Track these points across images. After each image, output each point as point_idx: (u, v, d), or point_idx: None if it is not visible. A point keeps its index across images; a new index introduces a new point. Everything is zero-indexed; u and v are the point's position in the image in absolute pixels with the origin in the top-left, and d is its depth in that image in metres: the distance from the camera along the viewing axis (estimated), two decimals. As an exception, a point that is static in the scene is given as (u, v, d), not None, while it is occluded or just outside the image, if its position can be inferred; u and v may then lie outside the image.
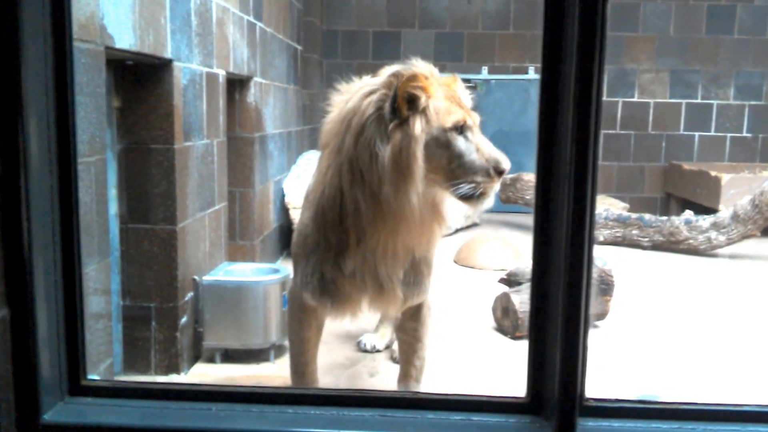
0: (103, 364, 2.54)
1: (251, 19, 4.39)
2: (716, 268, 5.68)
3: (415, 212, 2.00)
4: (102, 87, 2.44)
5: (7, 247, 1.34)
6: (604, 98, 8.72)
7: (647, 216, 6.27)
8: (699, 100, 8.24)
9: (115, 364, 3.03)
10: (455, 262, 5.57)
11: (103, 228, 2.52)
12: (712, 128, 8.28)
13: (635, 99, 8.23)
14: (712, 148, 8.29)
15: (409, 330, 2.51)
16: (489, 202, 2.07)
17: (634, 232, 6.20)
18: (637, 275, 5.11)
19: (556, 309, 1.27)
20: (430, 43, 8.16)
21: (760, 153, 8.30)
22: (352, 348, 3.61)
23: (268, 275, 3.45)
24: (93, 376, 2.29)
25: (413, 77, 2.00)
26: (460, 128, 2.05)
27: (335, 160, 2.07)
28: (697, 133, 8.29)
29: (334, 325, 2.92)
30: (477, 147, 2.05)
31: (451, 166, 2.03)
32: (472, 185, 2.02)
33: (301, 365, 2.50)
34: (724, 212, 5.98)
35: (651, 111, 8.27)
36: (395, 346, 3.43)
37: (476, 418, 1.36)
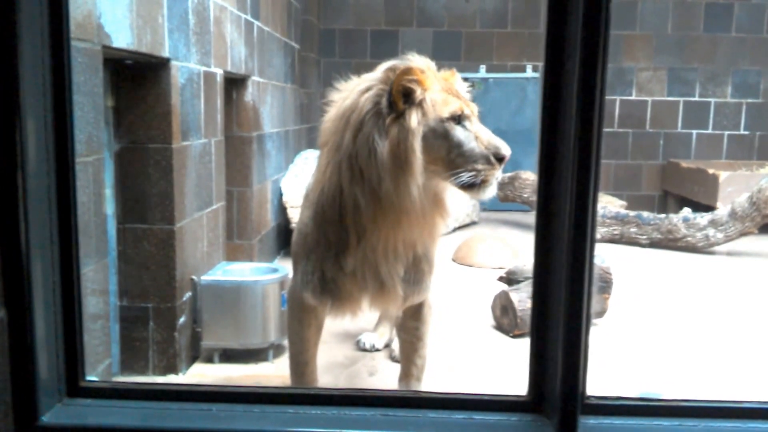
0: (101, 365, 2.53)
1: (249, 17, 4.38)
2: (714, 265, 5.69)
3: (417, 205, 2.00)
4: (99, 86, 2.43)
5: (5, 248, 1.33)
6: (602, 96, 8.78)
7: (645, 213, 6.28)
8: (696, 98, 8.25)
9: (113, 364, 3.01)
10: (453, 260, 5.56)
11: (100, 228, 2.51)
12: (710, 126, 8.29)
13: (633, 97, 8.23)
14: (710, 146, 8.30)
15: (410, 329, 2.50)
16: (491, 189, 2.06)
17: (632, 229, 6.21)
18: (635, 273, 5.12)
19: (558, 307, 1.26)
20: (427, 42, 8.15)
21: (758, 150, 8.31)
22: (351, 347, 3.60)
23: (266, 275, 3.44)
24: (91, 377, 2.29)
25: (408, 71, 1.99)
26: (458, 118, 2.04)
27: (334, 158, 2.06)
28: (694, 131, 8.30)
29: (333, 324, 2.92)
30: (476, 135, 2.04)
31: (450, 156, 2.02)
32: (473, 173, 2.01)
33: (301, 365, 2.49)
34: (722, 210, 5.99)
35: (649, 109, 8.28)
36: (394, 345, 3.43)
37: (478, 416, 1.36)
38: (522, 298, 3.78)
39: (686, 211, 6.17)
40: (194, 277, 3.32)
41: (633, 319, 4.10)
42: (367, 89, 2.03)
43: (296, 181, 5.38)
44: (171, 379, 3.14)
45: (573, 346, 1.24)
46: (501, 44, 8.27)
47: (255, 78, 4.60)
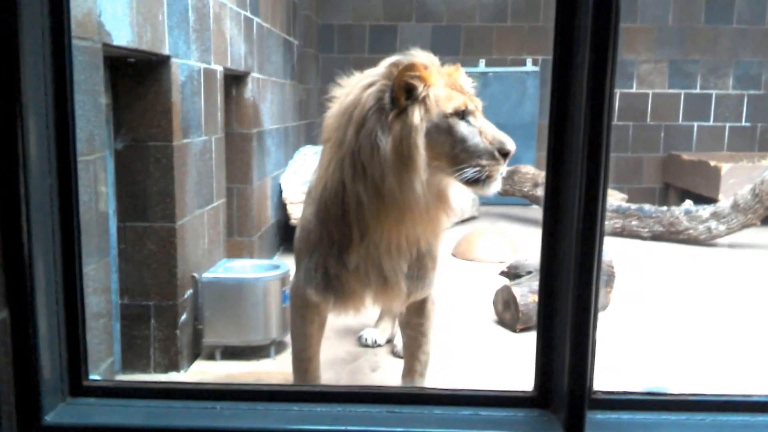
0: (103, 364, 2.52)
1: (248, 14, 4.36)
2: (716, 257, 5.68)
3: (421, 202, 1.99)
4: (100, 85, 2.42)
5: (7, 248, 1.32)
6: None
7: (647, 206, 6.27)
8: (698, 90, 8.23)
9: (114, 363, 3.01)
10: (454, 255, 5.56)
11: (102, 227, 2.51)
12: (711, 118, 8.27)
13: (634, 89, 8.22)
14: (711, 138, 8.29)
15: (413, 325, 2.49)
16: (496, 185, 2.04)
17: (634, 222, 6.20)
18: (637, 266, 5.11)
19: (565, 301, 1.25)
20: (427, 37, 8.13)
21: (759, 142, 8.30)
22: (352, 343, 3.60)
23: (267, 272, 3.43)
24: (94, 376, 2.28)
25: (410, 67, 1.98)
26: (462, 113, 2.02)
27: (337, 154, 2.05)
28: (695, 123, 8.29)
29: (334, 320, 2.91)
30: (480, 130, 2.03)
31: (454, 152, 2.00)
32: (477, 169, 1.99)
33: (304, 362, 2.48)
34: (724, 202, 5.98)
35: (649, 101, 8.26)
36: (396, 341, 3.42)
37: (484, 412, 1.35)
38: (524, 292, 3.77)
39: (688, 204, 6.16)
40: (195, 274, 3.31)
41: (636, 313, 4.09)
42: (370, 85, 2.02)
43: (295, 178, 5.37)
44: (173, 376, 3.13)
45: (581, 341, 1.23)
46: (500, 38, 8.25)
47: (255, 74, 4.59)
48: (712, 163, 6.93)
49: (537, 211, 7.18)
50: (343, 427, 1.34)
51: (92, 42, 2.32)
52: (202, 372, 3.24)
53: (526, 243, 5.74)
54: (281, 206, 5.38)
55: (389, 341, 3.56)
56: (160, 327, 3.11)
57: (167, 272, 3.08)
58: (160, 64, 2.96)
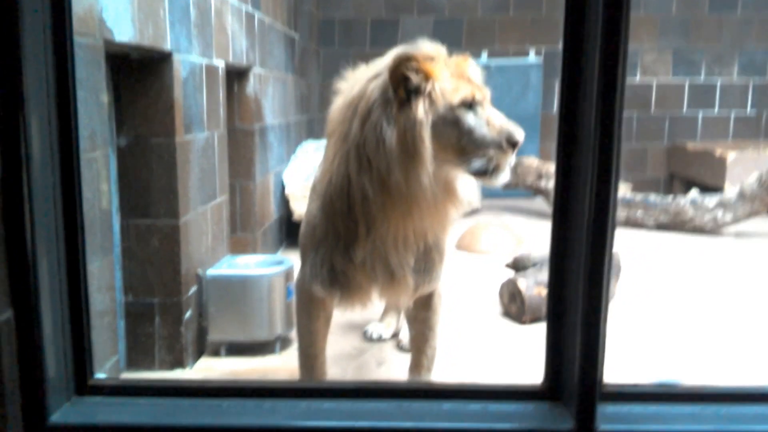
0: (108, 362, 2.52)
1: (249, 8, 4.34)
2: (723, 247, 5.65)
3: (428, 194, 1.96)
4: (102, 82, 2.41)
5: (10, 247, 1.32)
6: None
7: (652, 196, 6.24)
8: (702, 79, 8.19)
9: (119, 361, 3.00)
10: (458, 248, 5.54)
11: (105, 225, 2.49)
12: (716, 107, 8.23)
13: (637, 79, 8.17)
14: (716, 128, 8.25)
15: (420, 319, 2.48)
16: (505, 175, 2.00)
17: (639, 212, 6.17)
18: (643, 256, 5.09)
19: (576, 293, 1.24)
20: (428, 30, 8.09)
21: (765, 131, 8.26)
22: (358, 338, 3.59)
23: (271, 267, 3.42)
24: (99, 374, 2.27)
25: (407, 58, 1.95)
26: (469, 104, 1.99)
27: (342, 148, 2.03)
28: (700, 112, 8.25)
29: (339, 315, 2.90)
30: (488, 121, 2.00)
31: (461, 143, 1.98)
32: (485, 160, 1.97)
33: (311, 358, 2.47)
34: (730, 191, 5.95)
35: (654, 91, 8.22)
36: (402, 335, 3.41)
37: (493, 406, 1.34)
38: (530, 284, 3.75)
39: (694, 193, 6.13)
40: (199, 271, 3.30)
41: (643, 304, 4.08)
42: (375, 77, 2.00)
43: (298, 173, 5.36)
44: (178, 373, 3.12)
45: (592, 333, 1.22)
46: (503, 30, 8.21)
47: (257, 70, 4.57)
48: (718, 152, 6.90)
49: (541, 203, 7.15)
50: (351, 423, 1.33)
51: (93, 39, 2.31)
52: (207, 369, 3.23)
53: (530, 235, 5.72)
54: (284, 202, 5.37)
55: (395, 335, 3.55)
56: (164, 324, 3.11)
57: (171, 269, 3.07)
58: (162, 60, 2.95)
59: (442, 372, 2.77)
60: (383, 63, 2.02)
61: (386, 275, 2.14)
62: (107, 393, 1.48)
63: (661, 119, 8.26)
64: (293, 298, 3.13)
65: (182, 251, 3.08)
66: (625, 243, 5.04)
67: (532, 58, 8.02)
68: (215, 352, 3.36)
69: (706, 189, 6.59)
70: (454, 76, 2.02)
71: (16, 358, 1.34)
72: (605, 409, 1.28)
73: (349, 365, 3.28)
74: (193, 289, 3.26)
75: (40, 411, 1.36)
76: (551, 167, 6.43)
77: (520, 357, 3.29)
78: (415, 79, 1.94)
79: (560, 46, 1.25)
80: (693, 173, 7.49)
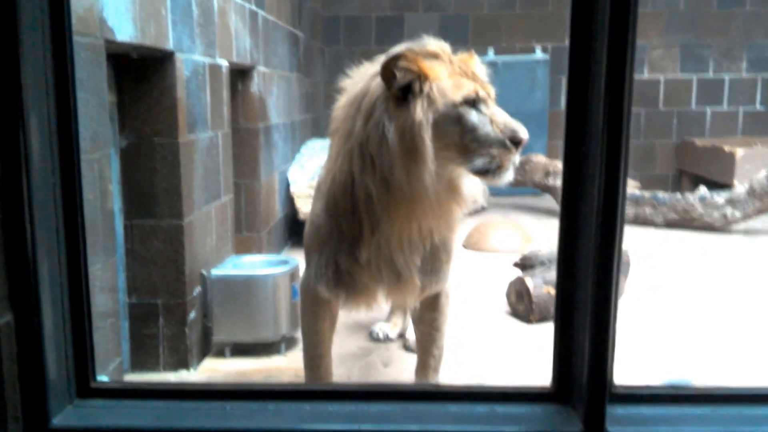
0: (111, 364, 2.50)
1: (253, 7, 4.33)
2: (732, 244, 5.61)
3: (430, 194, 1.93)
4: (103, 82, 2.39)
5: (10, 249, 1.31)
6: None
7: (661, 194, 6.20)
8: (710, 75, 8.13)
9: (123, 362, 2.99)
10: (465, 246, 5.51)
11: (108, 226, 2.48)
12: (725, 103, 8.17)
13: (645, 75, 8.12)
14: (725, 123, 8.19)
15: (427, 320, 2.45)
16: (508, 175, 1.97)
17: (648, 210, 6.13)
18: (652, 254, 5.05)
19: (585, 294, 1.21)
20: (434, 27, 8.06)
21: (774, 126, 8.20)
22: (364, 338, 3.57)
23: (276, 267, 3.40)
24: (102, 377, 2.26)
25: (396, 56, 1.91)
26: (472, 101, 1.96)
27: (345, 146, 2.00)
28: (709, 108, 8.19)
29: (345, 315, 2.89)
30: (491, 119, 1.96)
31: (464, 141, 1.94)
32: (488, 158, 1.93)
33: (316, 358, 2.45)
34: (740, 188, 5.91)
35: (662, 87, 8.17)
36: (408, 335, 3.39)
37: (501, 408, 1.32)
38: (537, 283, 3.72)
39: (703, 190, 6.09)
40: (204, 271, 3.29)
41: (652, 302, 4.04)
42: (378, 74, 1.97)
43: (303, 172, 5.34)
44: (182, 374, 3.11)
45: (601, 334, 1.19)
46: (509, 26, 8.17)
47: (260, 68, 4.55)
48: (727, 149, 6.85)
49: (549, 201, 7.11)
50: (356, 426, 1.31)
51: (94, 38, 2.29)
52: (212, 370, 3.22)
53: (538, 233, 5.68)
54: (289, 201, 5.36)
55: (401, 335, 3.53)
56: (168, 325, 3.09)
57: (175, 270, 3.06)
58: (164, 59, 2.93)
59: (449, 372, 2.75)
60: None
61: (392, 276, 2.11)
62: (109, 396, 1.48)
63: (670, 115, 8.21)
64: (298, 299, 3.11)
65: (186, 251, 3.06)
66: (634, 241, 5.00)
67: (539, 54, 7.98)
68: (220, 353, 3.34)
69: (715, 186, 6.54)
70: (457, 74, 1.98)
71: (17, 360, 1.33)
72: (615, 411, 1.26)
73: (355, 365, 3.26)
74: (198, 289, 3.24)
75: (42, 414, 1.35)
76: (559, 165, 6.39)
77: (528, 357, 3.26)
78: (401, 77, 1.90)
79: (567, 42, 1.23)
80: (702, 170, 7.44)
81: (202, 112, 3.31)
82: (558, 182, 6.28)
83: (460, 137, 1.94)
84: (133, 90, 2.94)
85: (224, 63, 3.69)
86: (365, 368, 3.23)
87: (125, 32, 2.52)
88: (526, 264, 4.08)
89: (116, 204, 2.94)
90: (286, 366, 3.22)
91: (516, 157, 1.97)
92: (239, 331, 3.29)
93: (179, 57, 3.00)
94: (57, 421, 1.36)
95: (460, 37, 8.08)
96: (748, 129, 8.17)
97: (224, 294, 3.27)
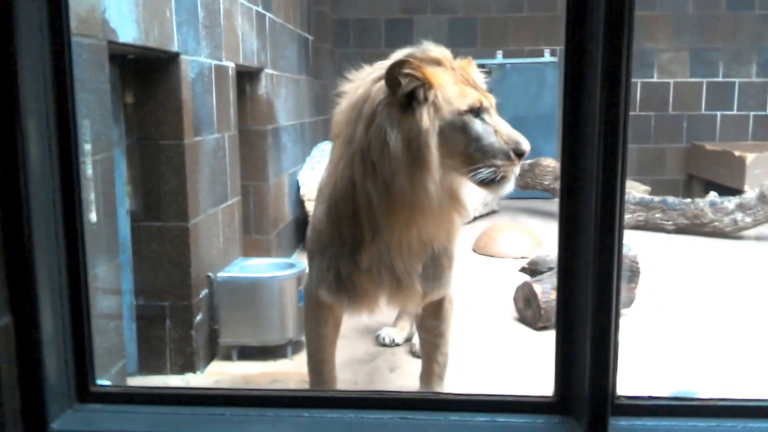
0: (114, 367, 2.49)
1: (260, 9, 4.33)
2: (743, 250, 5.55)
3: (433, 202, 1.93)
4: (106, 83, 2.39)
5: (9, 252, 1.30)
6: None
7: (670, 199, 6.15)
8: (720, 79, 8.06)
9: (131, 364, 3.00)
10: (474, 250, 5.49)
11: (111, 228, 2.47)
12: (735, 107, 8.10)
13: (654, 79, 8.07)
14: (735, 128, 8.12)
15: (430, 326, 2.43)
16: (510, 186, 1.98)
17: (657, 215, 6.08)
18: (662, 260, 5.00)
19: (585, 301, 1.19)
20: (443, 29, 8.05)
21: (785, 131, 8.12)
22: (371, 342, 3.55)
23: (283, 270, 3.39)
24: (103, 380, 2.25)
25: (400, 63, 1.90)
26: (476, 110, 1.95)
27: (347, 151, 2.00)
28: (719, 113, 8.12)
29: (352, 319, 2.87)
30: (495, 129, 1.96)
31: (468, 151, 1.94)
32: (492, 169, 1.92)
33: (319, 363, 2.44)
34: (750, 193, 5.85)
35: (671, 91, 8.11)
36: (415, 340, 3.37)
37: (502, 419, 1.30)
38: (546, 289, 3.69)
39: (713, 195, 6.03)
40: (210, 274, 3.28)
41: (662, 309, 4.00)
42: (380, 78, 1.96)
43: (313, 174, 5.34)
44: (189, 377, 3.11)
45: (602, 343, 1.17)
46: (517, 29, 8.14)
47: (268, 71, 4.55)
48: (737, 153, 6.79)
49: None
50: (354, 435, 1.29)
51: (96, 39, 2.29)
52: (219, 373, 3.21)
53: (548, 237, 5.64)
54: (299, 203, 5.35)
55: (408, 340, 3.51)
56: (175, 328, 3.09)
57: (181, 272, 3.05)
58: (169, 61, 2.93)
59: (453, 379, 2.72)
60: (387, 63, 1.98)
61: (393, 282, 2.10)
62: (109, 400, 1.47)
63: (679, 119, 8.15)
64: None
65: (192, 254, 3.06)
66: (643, 246, 4.95)
67: (548, 57, 7.94)
68: (227, 356, 3.34)
69: (726, 191, 6.48)
70: (460, 81, 1.97)
71: (16, 364, 1.33)
72: (618, 423, 1.24)
73: (361, 370, 3.24)
74: (204, 292, 3.24)
75: (40, 418, 1.35)
76: (567, 168, 6.34)
77: (535, 364, 3.23)
78: (406, 83, 1.89)
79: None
80: (712, 174, 7.38)
81: (207, 114, 3.31)
82: (567, 186, 6.23)
83: (464, 146, 1.93)
84: (139, 91, 2.95)
85: (231, 65, 3.69)
86: (371, 373, 3.21)
87: (128, 34, 2.51)
88: (533, 269, 4.06)
89: (124, 206, 2.94)
90: (293, 370, 3.21)
91: (518, 169, 1.97)
92: (245, 334, 3.28)
93: (184, 59, 3.00)
94: (56, 425, 1.36)
95: (469, 40, 8.06)
96: (759, 133, 8.10)
97: (230, 297, 3.26)
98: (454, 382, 2.77)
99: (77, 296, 1.41)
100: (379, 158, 1.90)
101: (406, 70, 1.89)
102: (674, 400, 1.29)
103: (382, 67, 1.99)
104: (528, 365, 3.24)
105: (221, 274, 3.30)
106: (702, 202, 5.97)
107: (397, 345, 3.49)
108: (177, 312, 3.08)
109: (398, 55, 1.99)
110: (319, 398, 1.42)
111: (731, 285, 4.52)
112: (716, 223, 5.85)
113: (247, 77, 4.37)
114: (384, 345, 3.49)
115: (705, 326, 3.75)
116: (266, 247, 4.53)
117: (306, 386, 2.66)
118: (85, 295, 1.43)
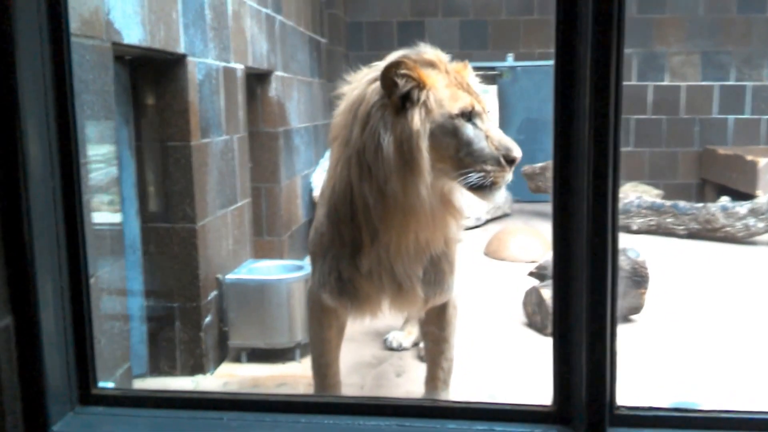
0: (119, 370, 2.49)
1: (270, 12, 4.33)
2: (755, 256, 5.49)
3: (425, 206, 1.92)
4: (110, 84, 2.39)
5: (10, 254, 1.31)
6: (634, 83, 8.36)
7: (682, 203, 6.09)
8: (732, 82, 7.99)
9: (141, 365, 3.01)
10: (486, 254, 5.46)
11: (116, 229, 2.48)
12: (747, 110, 8.03)
13: (666, 83, 8.01)
14: (748, 132, 8.04)
15: (434, 331, 2.42)
16: (500, 193, 1.97)
17: (669, 220, 6.03)
18: (672, 265, 4.96)
19: (580, 308, 1.18)
20: (454, 32, 8.04)
21: (798, 135, 8.03)
22: (378, 346, 3.54)
23: (292, 273, 3.39)
24: (107, 383, 2.26)
25: (396, 64, 1.90)
26: (468, 115, 1.94)
27: (344, 153, 2.00)
28: (731, 116, 8.05)
29: (360, 323, 2.86)
30: (486, 134, 1.95)
31: (459, 155, 1.93)
32: (482, 174, 1.91)
33: (323, 367, 2.43)
34: (762, 198, 5.79)
35: (683, 94, 8.05)
36: (422, 344, 3.36)
37: (499, 428, 1.29)
38: (554, 293, 3.66)
39: (725, 200, 5.97)
40: (219, 275, 3.29)
41: (671, 316, 3.95)
42: (375, 80, 1.95)
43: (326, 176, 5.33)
44: (199, 379, 3.11)
45: (598, 351, 1.16)
46: (528, 32, 8.12)
47: (278, 73, 4.56)
48: (749, 158, 6.72)
49: (569, 208, 7.02)
50: (351, 442, 1.29)
51: (100, 41, 2.29)
52: (229, 375, 3.22)
53: (558, 241, 5.59)
54: (312, 205, 5.35)
55: (416, 344, 3.49)
56: (184, 329, 3.10)
57: (189, 274, 3.06)
58: (176, 62, 2.94)
59: (459, 383, 2.71)
60: (383, 65, 1.97)
61: (394, 286, 2.09)
62: (111, 403, 1.47)
63: (691, 123, 8.08)
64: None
65: (200, 255, 3.06)
66: (654, 251, 4.90)
67: (560, 60, 7.90)
68: (236, 358, 3.34)
69: (738, 195, 6.41)
70: (453, 85, 1.96)
71: (17, 366, 1.33)
72: (616, 433, 1.22)
73: (368, 374, 3.23)
74: (213, 293, 3.24)
75: (41, 421, 1.35)
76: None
77: (542, 370, 3.20)
78: (402, 84, 1.89)
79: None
80: (725, 179, 7.31)
81: (215, 115, 3.31)
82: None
83: (455, 150, 1.92)
84: (147, 93, 2.96)
85: (239, 67, 3.69)
86: (378, 377, 3.20)
87: (133, 35, 2.51)
88: (542, 273, 4.03)
89: (134, 207, 2.95)
90: (301, 373, 3.20)
91: (509, 176, 1.95)
92: (254, 336, 3.28)
93: (191, 60, 3.01)
94: (57, 428, 1.37)
95: (480, 43, 8.05)
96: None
97: (239, 299, 3.27)
98: (461, 387, 2.76)
99: (79, 297, 1.42)
100: (373, 160, 1.90)
101: (401, 71, 1.89)
102: (674, 411, 1.27)
103: (377, 68, 1.99)
104: (535, 371, 3.22)
105: (230, 276, 3.31)
106: (714, 207, 5.91)
107: (405, 349, 3.48)
108: (186, 313, 3.09)
109: (393, 56, 1.99)
110: (316, 404, 1.41)
111: (742, 291, 4.46)
112: (728, 228, 5.79)
113: (257, 79, 4.37)
114: (392, 349, 3.48)
115: (713, 334, 3.70)
116: (279, 249, 4.54)
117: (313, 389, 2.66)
118: (87, 296, 1.44)
